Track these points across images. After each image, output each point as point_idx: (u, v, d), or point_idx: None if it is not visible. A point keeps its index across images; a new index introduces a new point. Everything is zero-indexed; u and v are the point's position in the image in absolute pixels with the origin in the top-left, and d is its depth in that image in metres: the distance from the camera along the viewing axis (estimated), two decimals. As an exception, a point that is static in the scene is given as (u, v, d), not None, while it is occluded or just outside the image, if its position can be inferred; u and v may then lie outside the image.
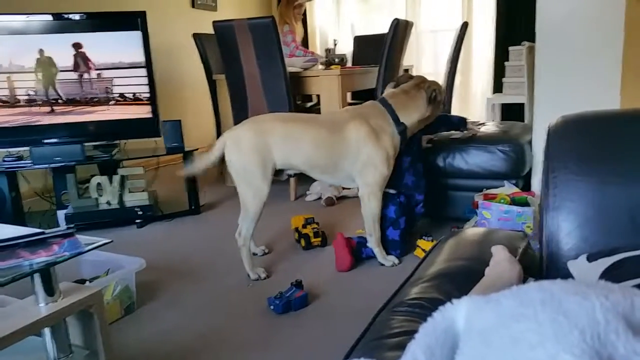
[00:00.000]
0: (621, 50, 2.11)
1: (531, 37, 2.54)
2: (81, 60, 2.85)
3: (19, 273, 1.09)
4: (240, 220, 2.16)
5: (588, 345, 0.39)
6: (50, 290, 1.18)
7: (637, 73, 2.42)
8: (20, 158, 2.90)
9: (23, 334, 1.09)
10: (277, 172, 2.15)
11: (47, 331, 1.21)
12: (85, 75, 2.87)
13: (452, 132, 2.64)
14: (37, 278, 1.17)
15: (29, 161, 2.80)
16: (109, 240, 1.28)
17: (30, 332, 1.11)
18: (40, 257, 1.15)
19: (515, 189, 2.33)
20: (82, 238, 1.25)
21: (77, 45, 2.84)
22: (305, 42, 5.87)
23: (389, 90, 2.19)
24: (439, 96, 2.16)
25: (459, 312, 0.51)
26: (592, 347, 0.38)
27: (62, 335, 1.23)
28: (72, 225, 1.28)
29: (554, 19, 2.23)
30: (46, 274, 1.17)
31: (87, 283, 1.76)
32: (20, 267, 1.11)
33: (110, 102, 2.92)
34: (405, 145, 2.18)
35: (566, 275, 0.86)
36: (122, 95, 2.94)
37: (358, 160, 2.04)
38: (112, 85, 2.92)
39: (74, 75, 2.86)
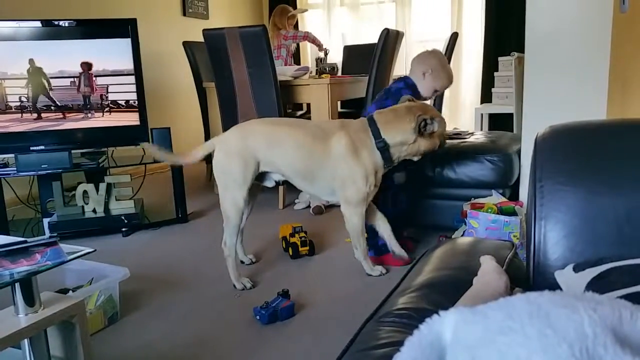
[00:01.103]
0: (608, 62, 2.14)
1: (520, 48, 2.56)
2: (85, 81, 2.83)
3: (-1, 282, 1.06)
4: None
5: (576, 358, 0.38)
6: (30, 300, 1.15)
7: (624, 84, 2.45)
8: (5, 165, 2.85)
9: (1, 345, 1.06)
10: (263, 177, 2.14)
11: (26, 342, 1.18)
12: (83, 89, 2.85)
13: None
14: (17, 288, 1.14)
15: (14, 168, 2.76)
16: (92, 250, 1.26)
17: (8, 343, 1.08)
18: (22, 267, 1.13)
19: (503, 199, 2.34)
20: (65, 247, 1.23)
21: (86, 65, 2.82)
22: (297, 51, 5.90)
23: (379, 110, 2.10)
24: (430, 127, 1.96)
25: (445, 324, 0.50)
26: (580, 361, 0.38)
27: (41, 346, 1.20)
28: (55, 234, 1.25)
29: (543, 30, 2.26)
30: (27, 283, 1.14)
31: (70, 292, 1.73)
32: (1, 277, 1.08)
33: (105, 110, 2.90)
34: (391, 168, 2.09)
35: (553, 285, 0.85)
36: (113, 102, 2.92)
37: (336, 174, 2.00)
38: (107, 93, 2.90)
39: (63, 83, 2.83)
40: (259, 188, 2.24)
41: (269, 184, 2.18)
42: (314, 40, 4.57)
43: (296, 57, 5.47)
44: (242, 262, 2.32)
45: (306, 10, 5.40)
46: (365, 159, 1.98)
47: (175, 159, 2.23)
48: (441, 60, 2.31)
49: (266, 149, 2.03)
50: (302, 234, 2.45)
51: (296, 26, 5.31)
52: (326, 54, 4.48)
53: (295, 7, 5.98)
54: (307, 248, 2.40)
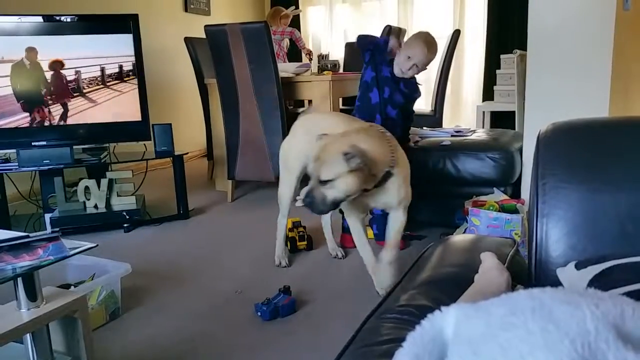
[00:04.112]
0: (611, 60, 2.13)
1: (523, 46, 2.56)
2: (56, 82, 2.80)
3: (1, 277, 1.06)
4: None
5: (578, 354, 0.38)
6: (32, 295, 1.16)
7: (626, 82, 2.44)
8: (6, 160, 2.85)
9: (3, 340, 1.07)
10: None
11: (28, 337, 1.18)
12: (72, 85, 2.85)
13: (442, 137, 2.65)
14: (19, 282, 1.14)
15: (16, 164, 2.76)
16: (94, 245, 1.26)
17: (10, 338, 1.09)
18: (24, 261, 1.13)
19: (504, 196, 2.34)
20: (67, 242, 1.23)
21: (56, 65, 2.78)
22: (298, 49, 5.89)
23: None
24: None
25: (447, 320, 0.50)
26: (582, 357, 0.38)
27: (44, 341, 1.20)
28: (57, 229, 1.26)
29: (546, 28, 2.25)
30: (29, 278, 1.15)
31: (72, 288, 1.74)
32: (3, 271, 1.09)
33: (101, 104, 2.89)
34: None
35: (555, 282, 0.85)
36: (112, 96, 2.92)
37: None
38: (104, 87, 2.90)
39: (62, 77, 2.83)
40: None
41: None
42: (298, 40, 4.72)
43: (298, 54, 5.46)
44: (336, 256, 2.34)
45: (300, 11, 5.46)
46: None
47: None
48: (416, 34, 2.32)
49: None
50: (301, 229, 2.47)
51: (295, 25, 5.32)
52: (310, 59, 4.56)
53: (297, 5, 6.00)
54: (305, 243, 2.43)
